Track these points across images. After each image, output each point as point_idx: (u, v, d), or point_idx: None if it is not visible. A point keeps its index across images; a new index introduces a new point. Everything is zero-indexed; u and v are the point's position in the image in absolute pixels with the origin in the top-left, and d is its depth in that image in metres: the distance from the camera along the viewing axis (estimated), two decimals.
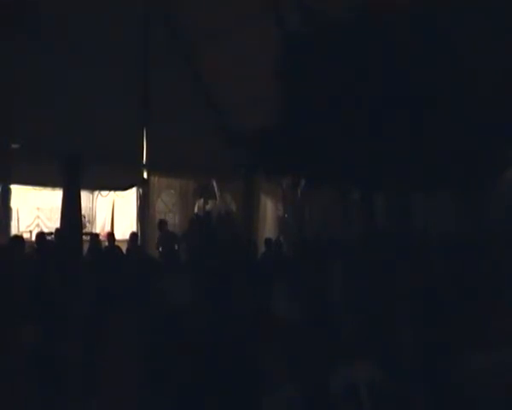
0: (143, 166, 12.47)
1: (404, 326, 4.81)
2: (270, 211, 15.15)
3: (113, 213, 13.91)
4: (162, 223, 11.68)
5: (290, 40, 9.66)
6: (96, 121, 10.58)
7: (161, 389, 4.06)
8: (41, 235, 9.16)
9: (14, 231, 11.14)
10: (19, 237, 8.34)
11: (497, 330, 3.97)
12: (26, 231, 11.90)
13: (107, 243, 10.55)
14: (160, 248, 11.18)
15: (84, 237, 11.29)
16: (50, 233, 10.85)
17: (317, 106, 9.31)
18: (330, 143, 9.22)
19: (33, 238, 9.74)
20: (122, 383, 3.83)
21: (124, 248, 10.12)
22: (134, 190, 12.74)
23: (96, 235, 11.36)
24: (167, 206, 13.52)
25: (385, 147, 8.74)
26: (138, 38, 12.09)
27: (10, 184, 10.66)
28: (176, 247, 11.02)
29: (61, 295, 5.91)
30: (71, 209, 10.87)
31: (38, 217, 12.91)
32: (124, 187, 12.77)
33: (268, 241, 10.61)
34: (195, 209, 14.00)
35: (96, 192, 13.63)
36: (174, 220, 13.37)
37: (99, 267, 7.48)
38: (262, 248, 10.20)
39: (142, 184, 12.55)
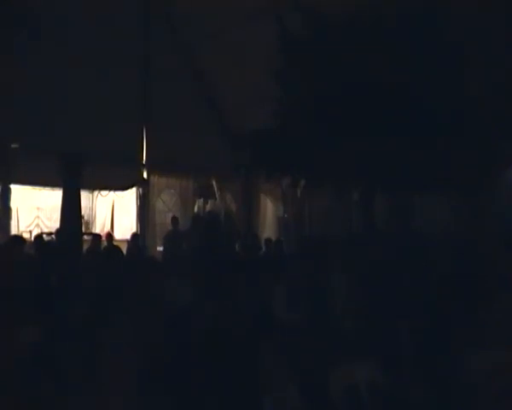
0: (143, 166, 12.48)
1: (403, 326, 4.81)
2: (270, 211, 15.16)
3: (113, 213, 13.92)
4: (174, 219, 11.62)
5: (290, 40, 9.65)
6: (96, 121, 10.58)
7: (162, 389, 4.06)
8: (39, 237, 9.14)
9: (13, 230, 11.13)
10: (18, 237, 8.33)
11: (496, 330, 3.97)
12: (25, 231, 11.91)
13: (106, 243, 10.55)
14: (164, 247, 11.14)
15: (84, 237, 11.31)
16: (50, 233, 10.86)
17: (318, 106, 9.30)
18: (330, 143, 9.22)
19: (33, 238, 9.72)
20: (122, 383, 3.83)
21: (124, 248, 10.12)
22: (134, 189, 12.75)
23: (98, 235, 11.39)
24: (167, 206, 13.52)
25: (385, 147, 8.73)
26: (138, 37, 12.09)
27: (10, 184, 10.66)
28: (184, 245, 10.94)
29: (60, 295, 5.91)
30: (71, 209, 10.88)
31: (38, 217, 12.92)
32: (124, 187, 12.78)
33: (268, 241, 10.61)
34: (195, 209, 14.00)
35: (96, 192, 13.64)
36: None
37: (99, 268, 7.47)
38: (262, 248, 10.20)
39: (142, 184, 12.55)
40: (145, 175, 12.54)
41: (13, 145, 10.14)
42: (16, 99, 9.87)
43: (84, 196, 12.43)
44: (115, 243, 10.17)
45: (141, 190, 12.61)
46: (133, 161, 12.20)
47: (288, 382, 3.90)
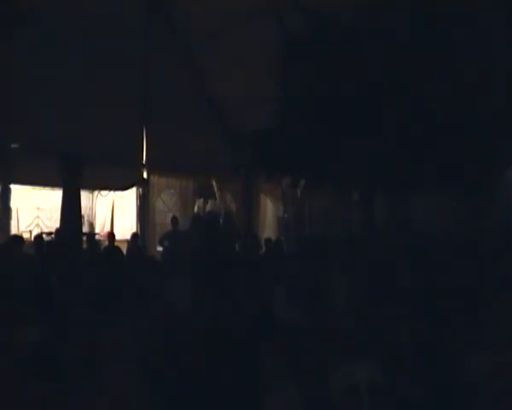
0: (143, 166, 12.49)
1: (403, 326, 4.81)
2: (270, 211, 15.16)
3: (113, 213, 13.93)
4: (174, 219, 11.60)
5: (290, 40, 9.65)
6: (96, 121, 10.58)
7: (161, 389, 4.06)
8: (39, 237, 9.14)
9: (13, 230, 11.13)
10: (18, 237, 8.33)
11: (496, 330, 3.97)
12: (25, 231, 11.91)
13: (107, 243, 10.56)
14: (162, 247, 11.15)
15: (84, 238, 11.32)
16: (50, 233, 10.87)
17: (317, 106, 9.31)
18: (330, 143, 9.22)
19: (33, 238, 9.72)
20: (122, 383, 3.83)
21: (124, 248, 10.13)
22: (134, 189, 12.76)
23: (93, 235, 11.41)
24: (167, 206, 13.52)
25: (385, 147, 8.73)
26: (138, 37, 12.09)
27: (10, 184, 10.66)
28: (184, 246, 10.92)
29: (60, 295, 5.91)
30: (71, 209, 10.88)
31: (38, 217, 12.93)
32: (124, 187, 12.79)
33: (268, 241, 10.60)
34: (195, 209, 14.01)
35: (96, 192, 13.65)
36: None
37: (99, 267, 7.47)
38: (262, 248, 10.19)
39: (142, 184, 12.56)
40: (145, 175, 12.55)
41: (13, 145, 10.15)
42: (16, 99, 9.87)
43: (84, 196, 12.44)
44: (115, 243, 10.18)
45: (141, 190, 12.62)
46: (133, 161, 12.20)
47: (288, 382, 3.89)
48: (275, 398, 3.79)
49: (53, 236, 10.35)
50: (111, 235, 10.71)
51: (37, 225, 12.81)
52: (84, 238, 11.24)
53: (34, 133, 9.88)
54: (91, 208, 13.78)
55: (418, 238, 9.05)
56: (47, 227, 12.39)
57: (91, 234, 12.22)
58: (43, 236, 9.75)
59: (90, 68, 10.66)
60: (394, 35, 8.84)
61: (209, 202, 14.29)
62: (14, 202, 11.13)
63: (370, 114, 8.73)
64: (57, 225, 11.06)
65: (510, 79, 8.30)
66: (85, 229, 12.64)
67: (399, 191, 10.23)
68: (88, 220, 13.41)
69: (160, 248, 11.45)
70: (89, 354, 4.05)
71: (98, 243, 11.05)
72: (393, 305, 5.25)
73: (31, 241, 9.32)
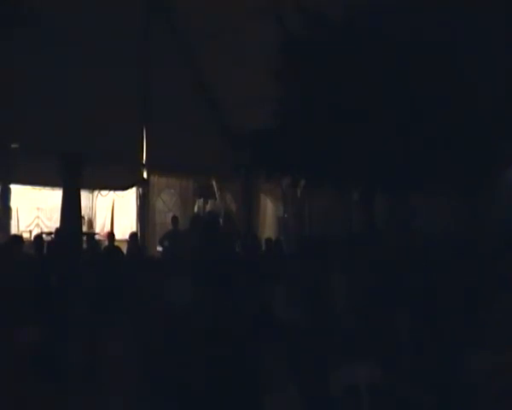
0: (143, 166, 12.49)
1: (403, 326, 4.81)
2: (270, 211, 15.16)
3: (113, 213, 13.92)
4: (174, 219, 11.58)
5: (290, 40, 9.66)
6: (96, 121, 10.58)
7: (162, 389, 4.06)
8: (39, 237, 9.14)
9: (13, 230, 11.12)
10: (18, 237, 8.33)
11: (496, 330, 3.97)
12: (25, 231, 11.90)
13: (107, 243, 10.56)
14: (162, 247, 11.14)
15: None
16: (50, 233, 10.87)
17: (317, 106, 9.31)
18: (330, 143, 9.22)
19: (33, 238, 9.71)
20: (122, 383, 3.83)
21: (124, 248, 10.11)
22: (134, 189, 12.76)
23: (93, 235, 11.38)
24: (167, 206, 13.51)
25: (385, 147, 8.74)
26: (138, 37, 12.10)
27: (10, 184, 10.65)
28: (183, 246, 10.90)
29: (60, 295, 5.91)
30: (71, 209, 10.88)
31: (38, 217, 12.91)
32: (124, 187, 12.79)
33: (268, 241, 10.59)
34: (195, 209, 14.01)
35: (96, 192, 13.65)
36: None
37: (99, 267, 7.46)
38: (262, 248, 10.18)
39: (142, 184, 12.56)
40: (145, 175, 12.54)
41: (13, 145, 10.14)
42: (16, 99, 9.86)
43: (84, 196, 12.43)
44: (115, 243, 10.17)
45: (141, 190, 12.62)
46: (133, 161, 12.20)
47: (288, 382, 3.89)
48: (275, 398, 3.79)
49: (53, 236, 10.34)
50: (111, 235, 10.70)
51: (37, 225, 12.80)
52: (84, 238, 11.22)
53: (34, 133, 9.88)
54: (91, 208, 13.77)
55: (418, 238, 9.05)
56: (47, 227, 12.38)
57: (91, 234, 12.21)
58: (43, 236, 9.74)
59: (90, 68, 10.65)
60: (394, 35, 8.84)
61: (209, 202, 14.28)
62: (14, 202, 11.12)
63: (370, 114, 8.73)
64: (57, 225, 11.05)
65: (510, 79, 8.30)
66: (85, 229, 12.64)
67: (399, 191, 10.24)
68: (88, 220, 13.40)
69: (159, 248, 11.44)
70: (89, 354, 4.05)
71: (98, 243, 11.04)
72: (393, 305, 5.25)
73: (31, 241, 9.30)
